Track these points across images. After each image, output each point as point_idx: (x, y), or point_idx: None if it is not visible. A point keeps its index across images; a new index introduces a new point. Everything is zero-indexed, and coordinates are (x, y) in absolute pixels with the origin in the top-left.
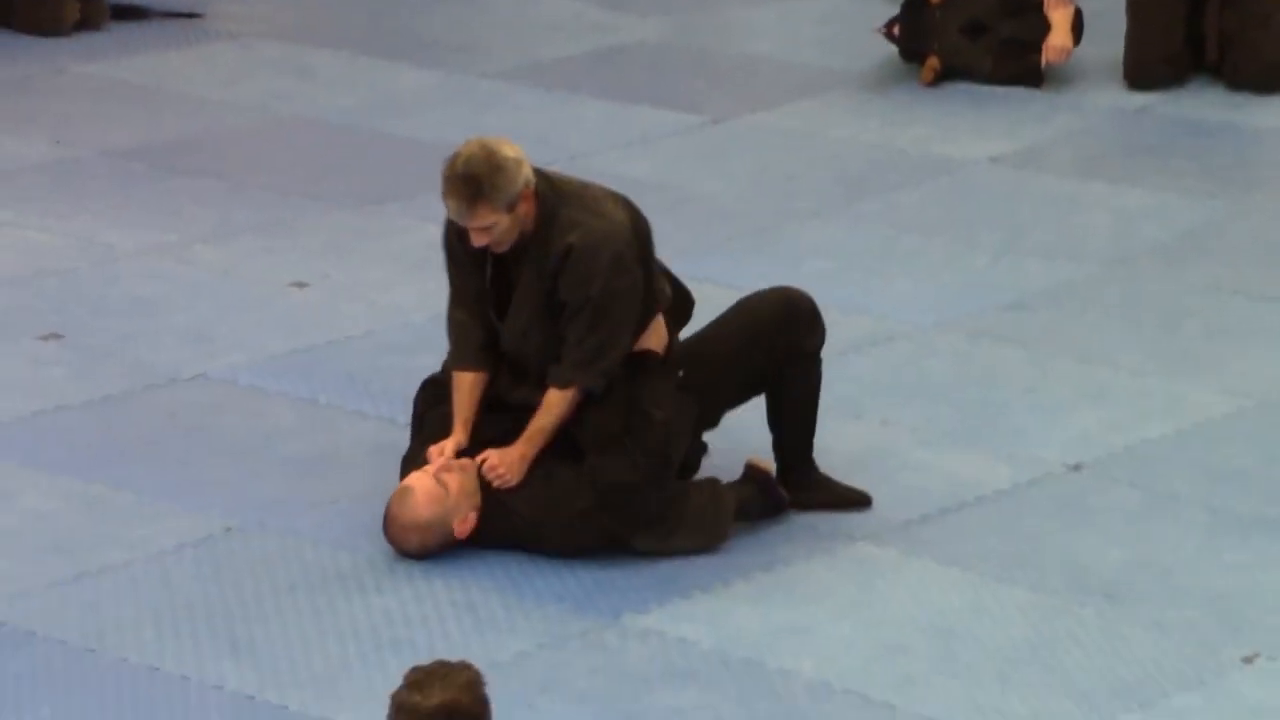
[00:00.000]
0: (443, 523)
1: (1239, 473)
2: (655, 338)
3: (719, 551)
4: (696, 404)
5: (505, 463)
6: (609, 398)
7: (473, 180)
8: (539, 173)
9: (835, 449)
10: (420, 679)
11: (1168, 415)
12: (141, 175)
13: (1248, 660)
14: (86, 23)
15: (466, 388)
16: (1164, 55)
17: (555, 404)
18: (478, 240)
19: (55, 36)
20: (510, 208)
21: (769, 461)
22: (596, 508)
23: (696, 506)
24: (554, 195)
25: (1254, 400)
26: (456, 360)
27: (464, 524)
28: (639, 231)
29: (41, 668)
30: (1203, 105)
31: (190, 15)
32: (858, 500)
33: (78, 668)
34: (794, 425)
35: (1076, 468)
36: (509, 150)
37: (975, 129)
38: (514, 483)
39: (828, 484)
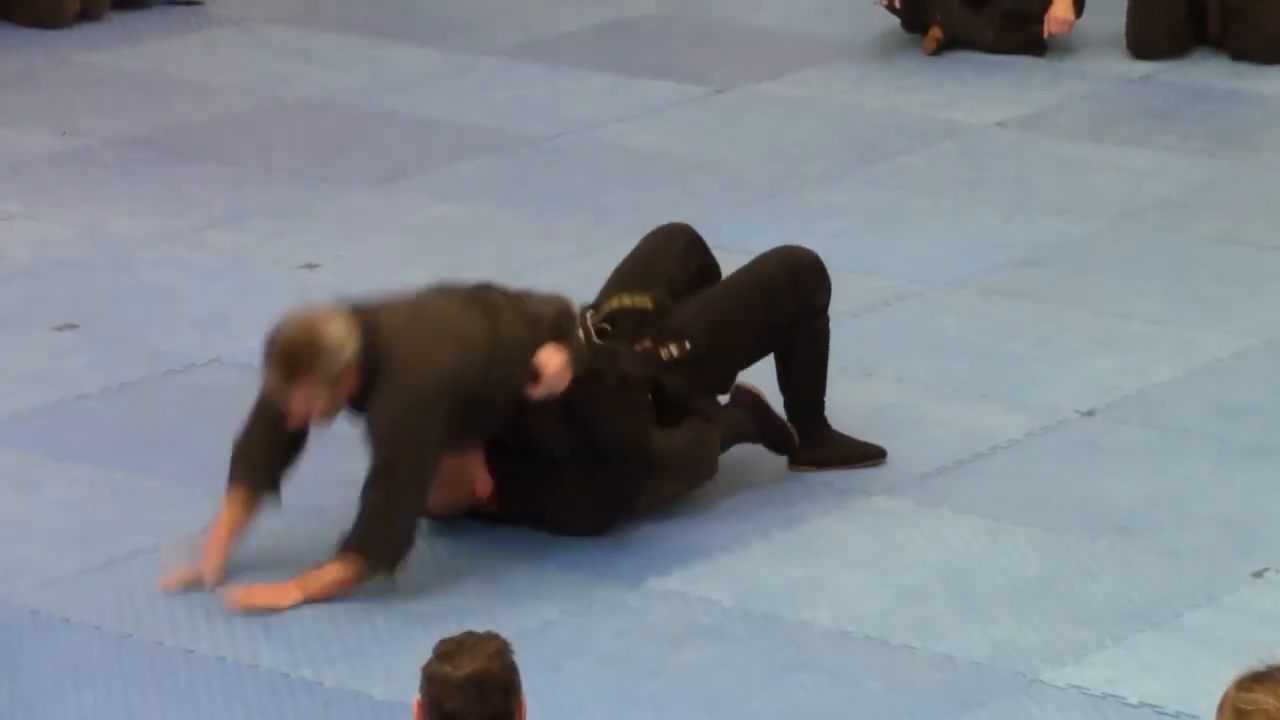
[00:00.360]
0: (464, 472)
1: (1248, 407)
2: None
3: (736, 514)
4: (704, 369)
5: (259, 592)
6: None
7: (292, 359)
8: (371, 317)
9: (849, 407)
10: (450, 650)
11: (1178, 358)
12: (149, 163)
13: (1257, 575)
14: (87, 13)
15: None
16: (1167, 29)
17: (332, 570)
18: (294, 416)
19: (56, 28)
20: (332, 383)
21: (756, 386)
22: (606, 508)
23: (680, 452)
24: (376, 355)
25: (1262, 340)
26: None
27: (484, 485)
28: (470, 363)
29: (80, 654)
30: (1207, 74)
31: (191, 2)
32: (872, 455)
33: (115, 653)
34: (804, 384)
35: (1089, 413)
36: (333, 328)
37: (981, 95)
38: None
39: (842, 440)
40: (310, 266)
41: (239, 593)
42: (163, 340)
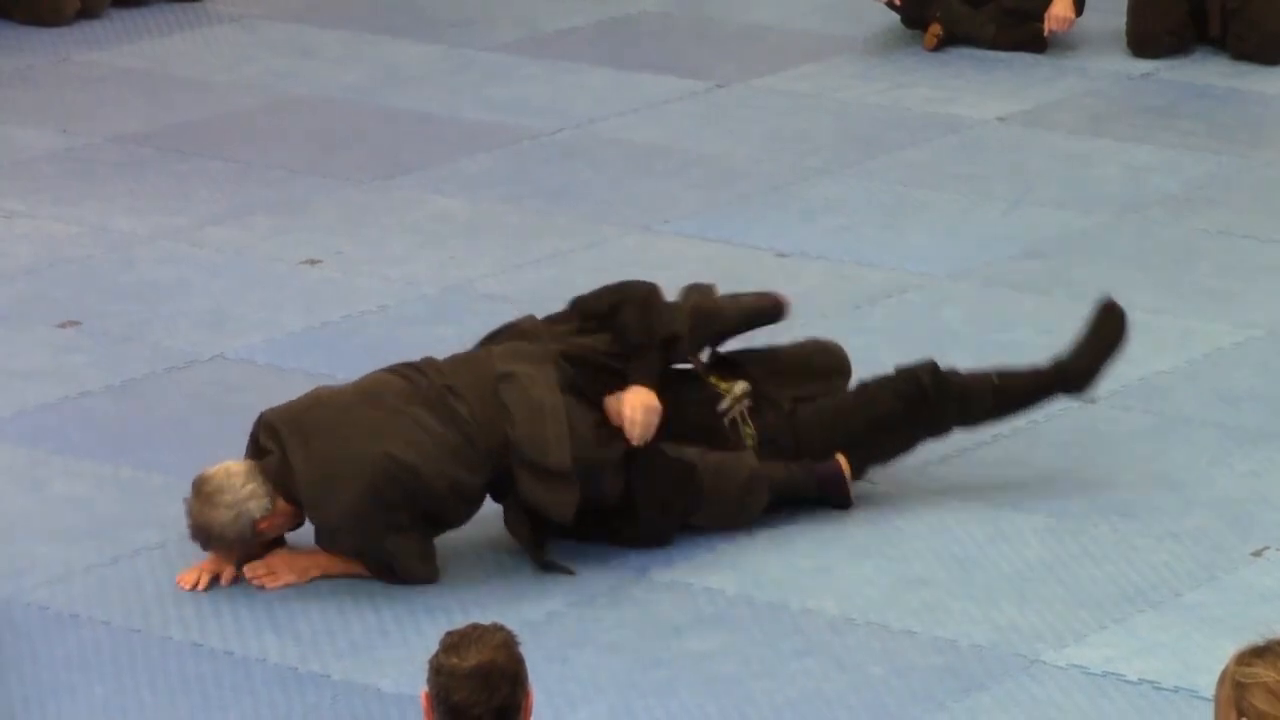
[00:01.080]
0: None
1: (1248, 394)
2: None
3: None
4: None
5: (270, 564)
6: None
7: (203, 541)
8: (282, 458)
9: None
10: (456, 642)
11: (1179, 347)
12: (151, 160)
13: (1256, 554)
14: (87, 11)
15: None
16: (1166, 28)
17: (356, 565)
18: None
19: (57, 26)
20: (248, 540)
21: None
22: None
23: (723, 495)
24: (290, 476)
25: (1263, 330)
26: None
27: None
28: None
29: (90, 649)
30: (1208, 72)
31: None
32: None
33: (125, 647)
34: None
35: (1091, 401)
36: (220, 512)
37: (981, 90)
38: (271, 583)
39: None
40: (311, 262)
41: (261, 569)
42: (165, 337)
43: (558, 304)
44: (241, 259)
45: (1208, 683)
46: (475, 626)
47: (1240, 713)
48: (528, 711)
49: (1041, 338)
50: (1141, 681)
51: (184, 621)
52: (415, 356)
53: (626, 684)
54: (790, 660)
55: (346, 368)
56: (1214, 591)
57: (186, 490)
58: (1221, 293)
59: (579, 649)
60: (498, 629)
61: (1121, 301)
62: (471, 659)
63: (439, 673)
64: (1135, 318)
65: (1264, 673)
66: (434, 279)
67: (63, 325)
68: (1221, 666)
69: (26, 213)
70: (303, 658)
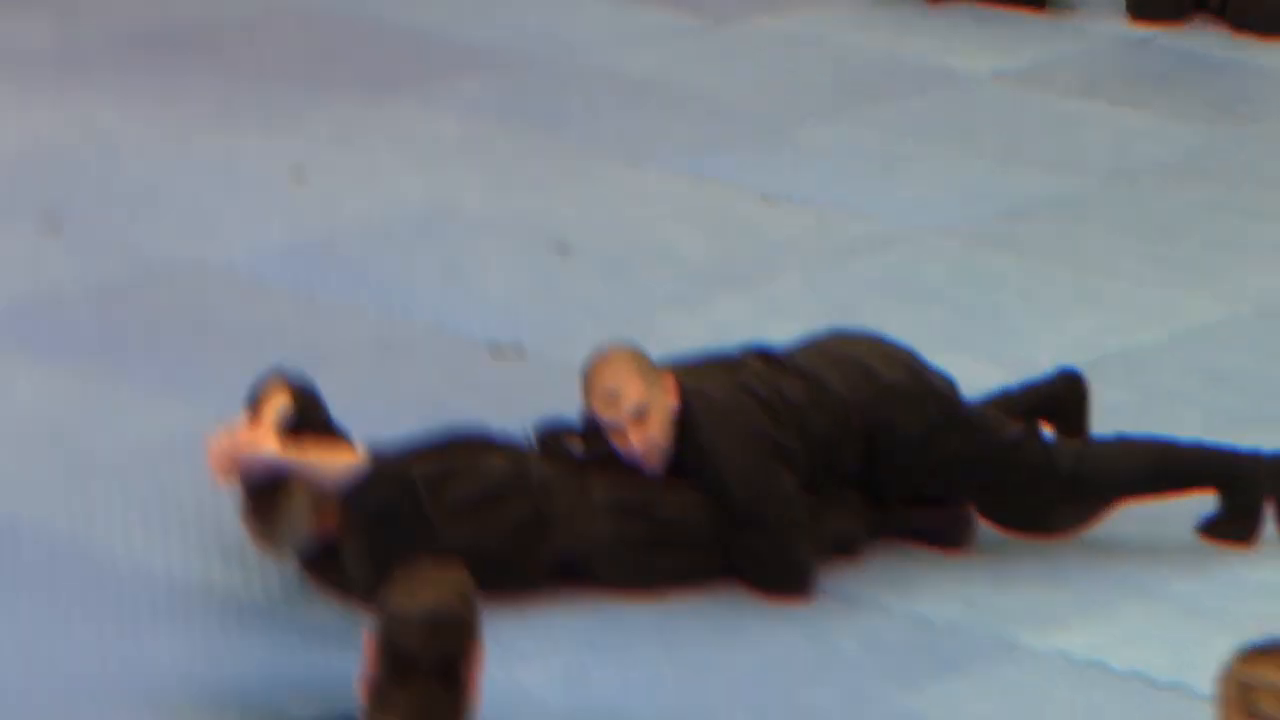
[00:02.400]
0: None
1: (1234, 374)
2: None
3: None
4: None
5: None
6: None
7: None
8: None
9: None
10: (408, 580)
11: (1163, 320)
12: (143, 61)
13: None
14: None
15: None
16: None
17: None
18: None
19: None
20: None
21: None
22: None
23: None
24: None
25: (1249, 307)
26: None
27: None
28: None
29: (25, 560)
30: (1206, 42)
31: None
32: None
33: (64, 562)
34: None
35: None
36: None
37: (979, 45)
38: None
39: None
40: (299, 175)
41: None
42: (146, 242)
43: (540, 232)
44: (229, 167)
45: (1199, 678)
46: (432, 566)
47: (1250, 715)
48: (476, 662)
49: (1022, 301)
50: (1129, 673)
51: (129, 543)
52: (397, 278)
53: (584, 643)
54: (754, 626)
55: (329, 285)
56: (1203, 581)
57: (153, 403)
58: (1207, 267)
59: (537, 606)
60: (455, 571)
61: (1106, 268)
62: (423, 600)
63: (386, 614)
64: (1118, 287)
65: (1271, 674)
66: (424, 199)
67: (42, 223)
68: (1212, 660)
69: (14, 104)
70: (249, 589)
